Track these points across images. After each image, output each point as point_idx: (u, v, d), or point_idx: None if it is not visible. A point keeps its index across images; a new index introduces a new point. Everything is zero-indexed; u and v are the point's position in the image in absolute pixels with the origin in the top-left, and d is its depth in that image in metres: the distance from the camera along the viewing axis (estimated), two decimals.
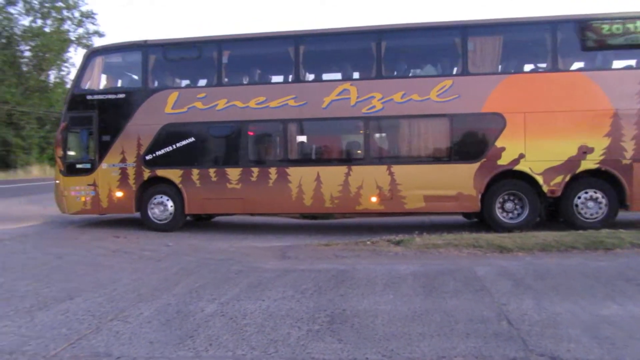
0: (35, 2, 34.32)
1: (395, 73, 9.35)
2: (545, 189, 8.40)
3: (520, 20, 8.95)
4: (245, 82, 9.86)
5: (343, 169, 8.93)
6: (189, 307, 4.44)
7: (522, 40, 9.23)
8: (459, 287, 4.95)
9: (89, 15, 36.41)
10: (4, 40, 33.33)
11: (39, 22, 34.76)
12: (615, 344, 3.45)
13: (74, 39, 35.72)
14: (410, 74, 9.50)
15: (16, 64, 34.18)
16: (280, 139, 9.31)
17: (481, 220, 9.20)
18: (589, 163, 8.30)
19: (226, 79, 9.65)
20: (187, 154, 9.40)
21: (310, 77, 9.81)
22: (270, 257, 6.76)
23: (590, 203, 8.40)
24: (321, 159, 9.41)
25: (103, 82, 10.15)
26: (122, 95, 9.72)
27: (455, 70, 9.05)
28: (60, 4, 35.07)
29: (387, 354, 3.35)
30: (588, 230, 7.53)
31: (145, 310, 4.34)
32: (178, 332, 3.82)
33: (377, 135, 9.38)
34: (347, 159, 9.23)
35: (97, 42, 35.78)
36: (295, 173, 9.04)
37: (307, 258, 6.63)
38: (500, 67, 8.90)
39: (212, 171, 9.30)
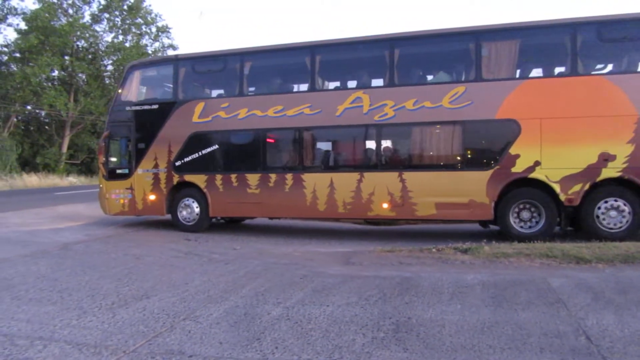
0: (118, 19, 37.02)
1: (408, 80, 9.26)
2: (562, 197, 7.98)
3: (537, 23, 8.55)
4: (264, 92, 10.26)
5: (355, 175, 9.02)
6: (256, 309, 4.56)
7: (539, 44, 8.83)
8: (531, 298, 4.71)
9: (164, 30, 38.66)
10: (90, 56, 36.19)
11: (120, 37, 37.42)
12: None
13: (150, 52, 38.02)
14: (422, 81, 9.41)
15: (100, 77, 37.01)
16: (296, 146, 9.59)
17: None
18: (611, 171, 7.79)
19: (247, 89, 10.10)
20: (212, 160, 10.00)
21: (325, 86, 10.00)
22: (334, 263, 6.80)
23: (613, 212, 7.89)
24: (334, 166, 9.64)
25: (141, 94, 10.96)
26: (155, 106, 10.46)
27: (468, 77, 8.85)
28: (140, 20, 37.53)
29: None
30: None
31: (215, 312, 4.52)
32: (246, 333, 3.94)
33: (389, 142, 9.39)
34: (360, 166, 9.33)
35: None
36: (310, 179, 9.27)
37: (370, 264, 6.60)
38: (515, 72, 8.59)
39: (233, 176, 9.76)
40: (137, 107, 10.53)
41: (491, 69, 8.49)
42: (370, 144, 9.28)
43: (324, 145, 9.99)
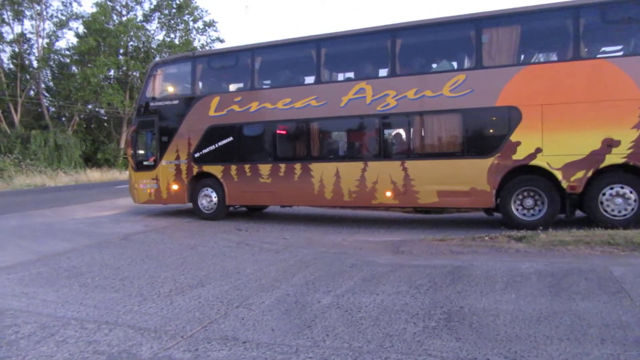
0: (168, 17, 38.18)
1: (409, 70, 9.14)
2: (564, 184, 7.71)
3: (538, 7, 8.15)
4: (273, 85, 10.60)
5: (360, 164, 9.17)
6: (306, 298, 4.63)
7: (539, 29, 8.45)
8: (591, 288, 4.51)
9: (210, 24, 39.54)
10: (142, 55, 37.62)
11: (170, 35, 38.61)
12: None
13: (198, 46, 39.01)
14: (423, 71, 9.26)
15: None
16: (304, 136, 9.82)
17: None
18: (615, 157, 7.44)
19: (257, 83, 10.39)
20: (227, 151, 10.41)
21: (330, 77, 10.11)
22: (384, 252, 6.77)
23: (618, 199, 7.53)
24: (340, 155, 9.83)
25: (163, 90, 11.51)
26: (176, 102, 11.05)
27: (468, 64, 8.67)
28: (187, 16, 38.58)
29: (510, 356, 3.19)
30: None
31: (267, 299, 4.63)
32: (297, 321, 4.02)
33: (391, 131, 9.47)
34: (364, 155, 9.45)
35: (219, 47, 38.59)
36: (317, 168, 9.51)
37: (421, 253, 6.52)
38: (515, 58, 8.28)
39: (246, 167, 10.17)
40: (160, 103, 11.18)
41: (491, 56, 8.35)
42: (374, 134, 9.38)
43: (329, 136, 10.25)
